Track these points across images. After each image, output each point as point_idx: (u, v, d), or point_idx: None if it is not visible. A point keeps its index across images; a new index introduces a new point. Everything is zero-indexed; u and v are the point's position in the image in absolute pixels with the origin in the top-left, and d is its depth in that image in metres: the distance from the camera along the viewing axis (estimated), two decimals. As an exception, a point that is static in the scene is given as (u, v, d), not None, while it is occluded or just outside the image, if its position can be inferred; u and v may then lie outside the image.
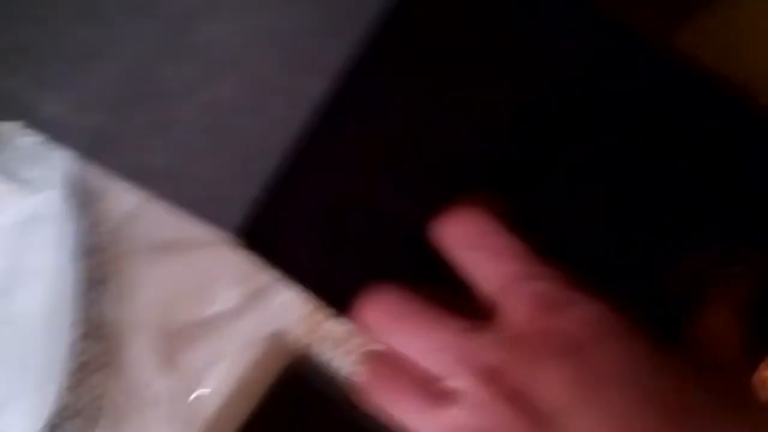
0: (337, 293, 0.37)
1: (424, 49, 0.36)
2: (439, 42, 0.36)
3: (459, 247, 0.26)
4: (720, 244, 0.29)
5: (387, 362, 0.26)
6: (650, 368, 0.23)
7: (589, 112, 0.33)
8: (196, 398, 0.43)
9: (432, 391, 0.24)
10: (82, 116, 0.34)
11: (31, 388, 0.41)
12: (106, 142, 0.35)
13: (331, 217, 0.37)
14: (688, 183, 0.32)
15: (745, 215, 0.31)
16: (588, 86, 0.34)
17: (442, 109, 0.36)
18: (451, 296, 0.26)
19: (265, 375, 0.42)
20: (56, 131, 0.34)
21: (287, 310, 0.43)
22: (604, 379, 0.22)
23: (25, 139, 0.39)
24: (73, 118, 0.34)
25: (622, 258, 0.29)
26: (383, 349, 0.26)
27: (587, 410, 0.22)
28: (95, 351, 0.44)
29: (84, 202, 0.44)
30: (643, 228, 0.30)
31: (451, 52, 0.36)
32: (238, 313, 0.43)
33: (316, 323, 0.42)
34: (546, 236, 0.27)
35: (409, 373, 0.25)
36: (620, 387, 0.22)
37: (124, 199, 0.44)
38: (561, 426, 0.22)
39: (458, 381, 0.24)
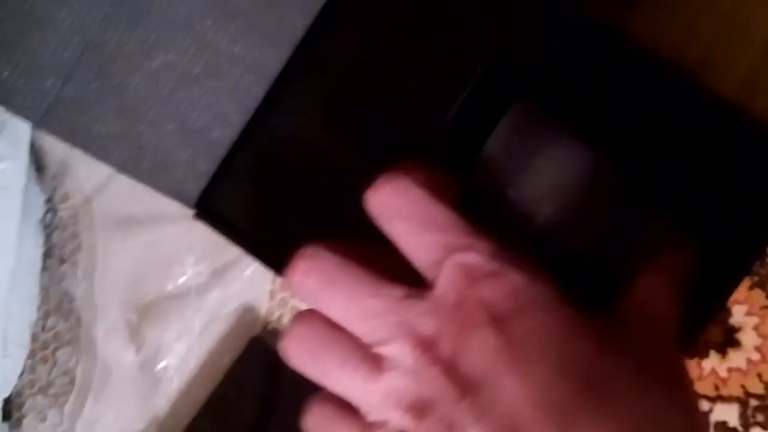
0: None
1: (384, 23, 0.36)
2: (399, 14, 0.35)
3: (387, 217, 0.25)
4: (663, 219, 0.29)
5: (317, 324, 0.25)
6: (572, 337, 0.22)
7: (587, 112, 0.33)
8: (163, 371, 0.42)
9: (363, 357, 0.23)
10: (34, 81, 0.34)
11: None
12: (58, 107, 0.34)
13: (286, 190, 0.36)
14: (684, 183, 0.31)
15: (742, 215, 0.31)
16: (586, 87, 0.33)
17: (400, 81, 0.35)
18: (391, 255, 0.25)
19: (232, 348, 0.42)
20: (7, 96, 0.34)
21: (256, 284, 0.42)
22: (525, 348, 0.22)
23: (-16, 109, 0.39)
24: (24, 83, 0.34)
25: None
26: (313, 310, 0.25)
27: (508, 379, 0.22)
28: (62, 327, 0.44)
29: (50, 175, 0.43)
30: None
31: (411, 25, 0.35)
32: (205, 287, 0.42)
33: (285, 296, 0.42)
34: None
35: (339, 336, 0.24)
36: (540, 356, 0.22)
37: (91, 173, 0.43)
38: (487, 394, 0.22)
39: (392, 348, 0.23)
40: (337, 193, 0.35)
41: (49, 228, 0.44)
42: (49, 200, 0.43)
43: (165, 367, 0.42)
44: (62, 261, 0.44)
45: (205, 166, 0.36)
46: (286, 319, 0.42)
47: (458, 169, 0.29)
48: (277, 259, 0.36)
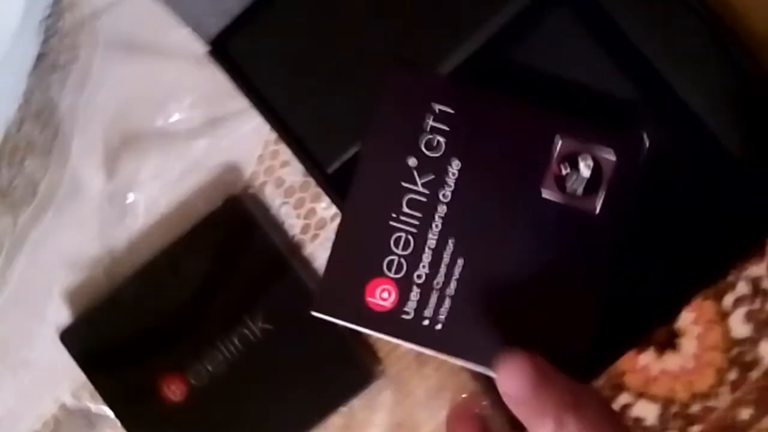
0: (298, 125, 0.36)
1: None
2: None
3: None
4: None
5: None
6: None
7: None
8: (130, 205, 0.41)
9: None
10: None
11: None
12: None
13: (307, 51, 0.35)
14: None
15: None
16: None
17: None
18: None
19: (205, 202, 0.41)
20: None
21: (246, 145, 0.41)
22: None
23: None
24: None
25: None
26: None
27: None
28: (37, 135, 0.42)
29: (64, -22, 0.41)
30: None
31: None
32: (194, 133, 0.41)
33: (273, 164, 0.41)
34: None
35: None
36: None
37: (107, -14, 0.41)
38: None
39: None
40: (354, 67, 0.34)
41: (48, 32, 0.41)
42: (55, 3, 0.41)
43: (133, 202, 0.41)
44: (54, 69, 0.42)
45: (232, 4, 0.35)
46: (268, 189, 0.41)
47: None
48: (277, 118, 0.35)
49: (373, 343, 0.40)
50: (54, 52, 0.42)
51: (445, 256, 0.33)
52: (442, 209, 0.33)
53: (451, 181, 0.33)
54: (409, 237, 0.33)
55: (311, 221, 0.41)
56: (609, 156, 0.32)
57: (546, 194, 0.32)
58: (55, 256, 0.42)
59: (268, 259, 0.39)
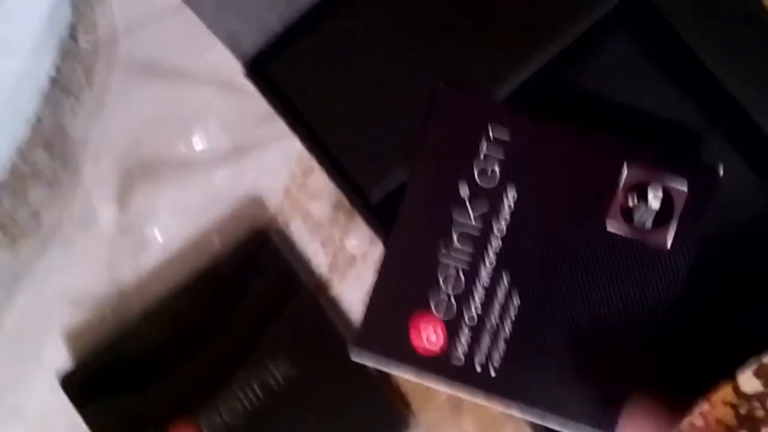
0: (339, 152, 0.33)
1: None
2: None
3: None
4: None
5: None
6: None
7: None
8: (143, 240, 0.38)
9: None
10: None
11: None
12: None
13: (350, 77, 0.33)
14: None
15: None
16: None
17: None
18: None
19: (227, 238, 0.38)
20: None
21: (272, 177, 0.38)
22: None
23: None
24: None
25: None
26: None
27: None
28: (45, 164, 0.39)
29: (84, 1, 0.39)
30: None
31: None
32: (217, 163, 0.38)
33: (301, 198, 0.38)
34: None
35: None
36: None
37: (126, 8, 0.39)
38: None
39: None
40: (402, 92, 0.32)
41: (64, 56, 0.39)
42: (72, 26, 0.39)
43: (147, 236, 0.38)
44: (67, 94, 0.39)
45: (275, 23, 0.32)
46: (294, 224, 0.38)
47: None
48: (317, 144, 0.33)
49: (406, 392, 0.37)
50: (68, 76, 0.39)
51: (499, 295, 0.30)
52: (496, 244, 0.30)
53: (506, 213, 0.30)
54: (460, 274, 0.30)
55: (339, 260, 0.38)
56: (680, 187, 0.30)
57: (611, 227, 0.30)
58: (59, 294, 0.38)
59: (296, 299, 0.36)
